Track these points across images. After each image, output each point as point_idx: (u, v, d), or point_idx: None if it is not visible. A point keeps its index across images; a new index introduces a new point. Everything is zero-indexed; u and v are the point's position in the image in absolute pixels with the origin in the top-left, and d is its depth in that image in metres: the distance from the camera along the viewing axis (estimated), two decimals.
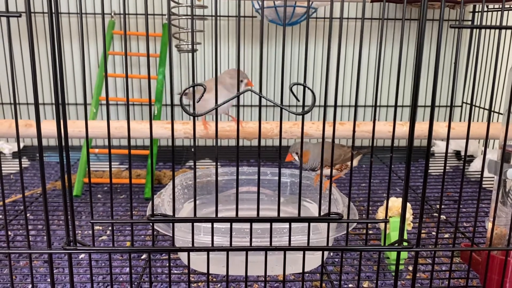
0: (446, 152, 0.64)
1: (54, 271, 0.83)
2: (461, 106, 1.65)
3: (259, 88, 0.59)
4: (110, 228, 1.02)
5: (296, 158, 1.00)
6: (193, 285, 0.80)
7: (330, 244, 0.80)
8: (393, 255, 0.83)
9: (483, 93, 1.50)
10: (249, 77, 1.04)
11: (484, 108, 1.48)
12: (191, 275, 0.82)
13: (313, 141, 1.21)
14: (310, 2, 1.26)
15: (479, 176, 0.65)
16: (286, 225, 0.77)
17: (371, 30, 1.56)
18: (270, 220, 0.62)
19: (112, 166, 1.45)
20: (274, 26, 1.53)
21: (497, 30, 1.30)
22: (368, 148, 1.11)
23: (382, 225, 0.87)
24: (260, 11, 1.29)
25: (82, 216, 1.09)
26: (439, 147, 1.62)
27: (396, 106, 0.60)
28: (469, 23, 1.59)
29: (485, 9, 1.47)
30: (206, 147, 1.61)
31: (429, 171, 1.48)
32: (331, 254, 0.91)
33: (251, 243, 0.63)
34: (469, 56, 0.62)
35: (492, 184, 0.74)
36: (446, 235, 1.00)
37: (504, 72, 1.34)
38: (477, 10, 1.54)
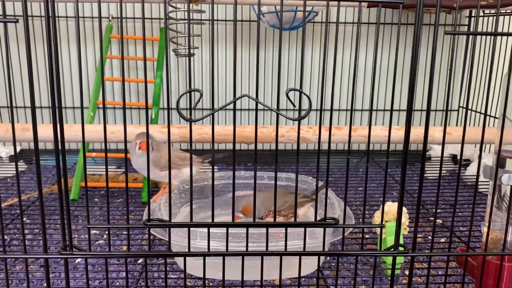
0: (442, 157, 0.65)
1: (51, 276, 0.82)
2: (458, 111, 1.66)
3: (256, 92, 0.59)
4: (106, 232, 1.02)
5: (241, 215, 0.91)
6: None
7: (326, 249, 0.81)
8: (389, 259, 0.83)
9: (479, 97, 1.51)
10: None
11: (480, 113, 1.49)
12: (187, 279, 0.82)
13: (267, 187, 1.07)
14: (311, 7, 1.26)
15: (475, 180, 0.65)
16: (283, 229, 0.77)
17: (367, 35, 1.57)
18: (266, 225, 0.62)
19: (109, 170, 1.45)
20: (271, 30, 1.54)
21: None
22: (322, 186, 0.94)
23: (378, 230, 0.88)
24: (262, 17, 1.30)
25: (79, 220, 1.08)
26: (435, 151, 1.63)
27: (392, 110, 0.60)
28: (465, 27, 1.59)
29: (481, 14, 1.48)
30: (204, 150, 1.61)
31: (426, 175, 1.48)
32: (328, 258, 0.91)
33: (247, 248, 0.63)
34: (465, 61, 0.63)
35: (488, 188, 0.74)
36: (443, 240, 1.01)
37: (500, 76, 1.35)
38: (473, 15, 1.54)
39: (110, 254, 0.63)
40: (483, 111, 1.46)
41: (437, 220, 1.11)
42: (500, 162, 0.67)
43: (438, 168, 1.50)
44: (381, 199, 1.25)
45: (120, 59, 1.45)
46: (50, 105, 0.56)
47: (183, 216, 1.00)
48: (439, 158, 1.62)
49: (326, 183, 0.64)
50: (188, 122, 0.57)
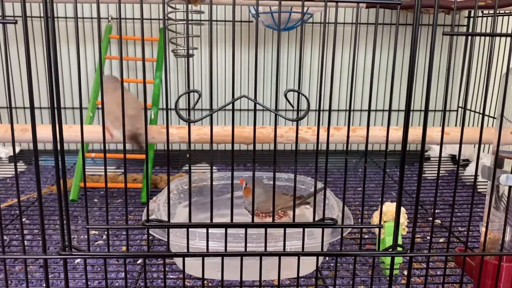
0: (440, 157, 0.65)
1: (50, 276, 0.82)
2: (457, 111, 1.66)
3: (254, 93, 0.59)
4: (106, 232, 1.02)
5: (243, 185, 0.95)
6: None
7: (325, 249, 0.81)
8: (388, 259, 0.83)
9: (478, 98, 1.51)
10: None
11: (478, 113, 1.49)
12: (186, 280, 0.82)
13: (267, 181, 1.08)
14: (306, 8, 1.27)
15: (473, 180, 0.65)
16: (281, 230, 0.77)
17: (366, 35, 1.57)
18: (265, 226, 0.62)
19: (109, 170, 1.45)
20: (270, 31, 1.54)
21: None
22: (320, 189, 0.93)
23: (377, 230, 0.88)
24: (258, 16, 1.30)
25: (79, 221, 1.08)
26: (435, 151, 1.63)
27: (390, 110, 0.60)
28: (465, 28, 1.60)
29: (480, 14, 1.48)
30: (203, 151, 1.61)
31: (425, 175, 1.48)
32: (326, 258, 0.91)
33: (246, 248, 0.64)
34: (463, 61, 0.63)
35: (487, 188, 0.74)
36: (441, 240, 1.01)
37: (498, 77, 1.35)
38: (472, 15, 1.55)
39: (109, 254, 0.63)
40: (481, 111, 1.46)
41: (436, 220, 1.11)
42: (498, 162, 0.67)
43: (437, 168, 1.50)
44: (380, 199, 1.25)
45: (119, 60, 1.45)
46: (49, 106, 0.56)
47: (182, 216, 1.00)
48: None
49: (325, 184, 0.64)
50: (187, 123, 0.57)
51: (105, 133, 0.60)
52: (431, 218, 1.12)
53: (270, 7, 1.25)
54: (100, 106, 1.34)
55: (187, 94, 0.56)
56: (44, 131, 0.94)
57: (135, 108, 0.93)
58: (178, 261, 0.87)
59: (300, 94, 0.57)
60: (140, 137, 0.88)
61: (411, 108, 0.61)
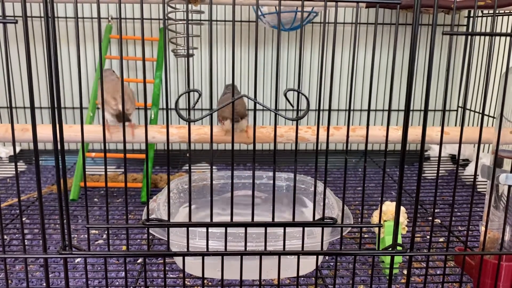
0: (439, 156, 0.65)
1: (50, 276, 0.83)
2: (456, 111, 1.66)
3: (254, 92, 0.59)
4: (106, 232, 1.02)
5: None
6: None
7: (325, 248, 0.81)
8: (387, 259, 0.83)
9: (478, 97, 1.51)
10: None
11: (478, 112, 1.49)
12: (186, 279, 0.83)
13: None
14: (311, 7, 1.27)
15: (473, 180, 0.65)
16: (281, 229, 0.77)
17: (366, 35, 1.57)
18: (265, 225, 0.63)
19: (109, 170, 1.46)
20: (270, 30, 1.54)
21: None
22: None
23: (377, 229, 0.88)
24: (263, 18, 1.30)
25: (79, 220, 1.09)
26: (434, 151, 1.63)
27: (390, 110, 0.61)
28: (464, 27, 1.60)
29: (480, 14, 1.48)
30: (203, 150, 1.61)
31: (425, 175, 1.48)
32: (326, 258, 0.91)
33: (246, 248, 0.64)
34: (463, 61, 0.63)
35: (486, 188, 0.74)
36: (441, 239, 1.01)
37: (498, 76, 1.35)
38: (471, 15, 1.55)
39: (109, 254, 0.63)
40: (481, 111, 1.46)
41: (436, 220, 1.12)
42: (497, 162, 0.67)
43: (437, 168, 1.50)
44: (380, 198, 1.25)
45: (119, 59, 1.45)
46: (50, 106, 0.56)
47: (182, 216, 1.00)
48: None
49: (325, 183, 0.64)
50: (187, 122, 0.57)
51: (105, 133, 0.60)
52: (431, 218, 1.12)
53: (276, 7, 1.25)
54: (100, 106, 1.34)
55: (187, 94, 0.56)
56: (44, 131, 0.95)
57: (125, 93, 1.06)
58: (178, 260, 0.87)
59: (300, 94, 0.57)
60: (127, 116, 0.96)
61: (411, 108, 0.61)
